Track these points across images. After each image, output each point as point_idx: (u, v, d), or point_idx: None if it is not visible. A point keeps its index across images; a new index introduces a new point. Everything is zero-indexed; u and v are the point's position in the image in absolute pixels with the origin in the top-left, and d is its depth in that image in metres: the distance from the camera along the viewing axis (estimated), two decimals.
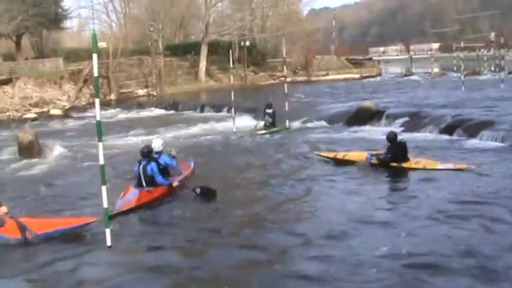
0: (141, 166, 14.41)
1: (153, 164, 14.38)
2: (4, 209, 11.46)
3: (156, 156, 15.01)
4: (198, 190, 14.18)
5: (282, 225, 11.65)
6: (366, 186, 14.88)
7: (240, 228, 11.53)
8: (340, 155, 18.01)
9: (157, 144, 15.46)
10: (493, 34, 76.11)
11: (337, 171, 16.84)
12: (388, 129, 23.85)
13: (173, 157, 15.82)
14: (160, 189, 14.44)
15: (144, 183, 14.29)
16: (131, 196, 13.99)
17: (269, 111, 27.17)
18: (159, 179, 14.37)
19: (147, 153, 14.57)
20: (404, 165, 16.33)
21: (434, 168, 15.84)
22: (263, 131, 26.30)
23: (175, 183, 14.71)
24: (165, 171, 15.02)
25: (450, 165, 15.91)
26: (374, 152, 17.32)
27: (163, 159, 15.25)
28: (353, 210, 12.44)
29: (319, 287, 8.51)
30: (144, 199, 13.93)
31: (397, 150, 16.54)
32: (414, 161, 16.45)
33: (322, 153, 19.03)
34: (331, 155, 18.42)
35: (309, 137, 24.55)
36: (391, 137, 16.83)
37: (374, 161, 16.96)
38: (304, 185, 15.31)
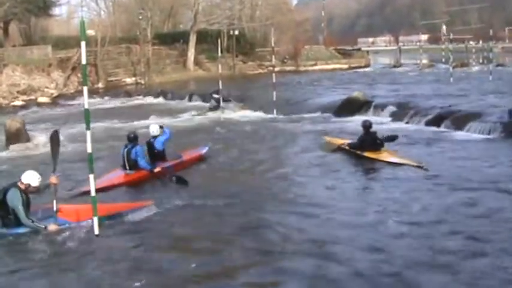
0: (126, 150, 15.04)
1: (137, 148, 14.99)
2: (54, 179, 11.12)
3: (152, 140, 15.92)
4: (174, 179, 14.52)
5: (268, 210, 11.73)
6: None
7: (232, 218, 11.62)
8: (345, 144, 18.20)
9: (154, 128, 16.27)
10: (444, 27, 76.99)
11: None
12: (377, 119, 24.09)
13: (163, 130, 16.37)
14: (140, 173, 15.01)
15: (127, 166, 14.98)
16: (110, 176, 14.92)
17: (216, 96, 30.63)
18: (141, 163, 14.98)
19: (133, 138, 15.21)
20: (366, 154, 16.75)
21: (387, 161, 16.08)
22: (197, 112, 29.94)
23: (157, 169, 15.17)
24: (160, 155, 15.82)
25: (404, 161, 15.94)
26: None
27: (159, 142, 15.95)
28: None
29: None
30: (120, 180, 14.77)
31: (366, 139, 16.99)
32: (378, 152, 16.73)
33: (329, 139, 19.52)
34: (339, 142, 18.76)
35: (296, 126, 24.63)
36: (366, 125, 17.29)
37: (345, 146, 17.61)
38: (278, 172, 15.75)
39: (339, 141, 18.75)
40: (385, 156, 16.48)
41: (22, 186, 10.80)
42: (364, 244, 9.75)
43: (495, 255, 9.06)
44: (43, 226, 10.66)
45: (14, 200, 10.56)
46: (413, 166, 15.26)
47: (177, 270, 8.96)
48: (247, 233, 10.62)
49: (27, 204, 10.80)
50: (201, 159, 17.61)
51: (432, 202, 12.14)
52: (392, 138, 17.66)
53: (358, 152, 17.05)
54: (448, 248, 9.43)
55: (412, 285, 8.17)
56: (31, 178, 10.90)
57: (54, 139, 11.72)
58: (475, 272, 8.47)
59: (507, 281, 8.21)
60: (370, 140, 16.95)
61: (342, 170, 15.82)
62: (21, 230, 10.63)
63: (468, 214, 11.18)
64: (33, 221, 10.62)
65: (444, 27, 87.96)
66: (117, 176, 15.07)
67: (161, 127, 16.56)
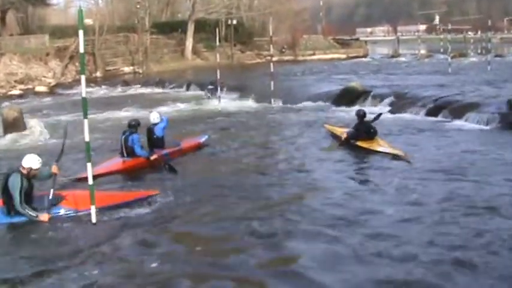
0: (124, 137, 15.22)
1: (134, 136, 15.10)
2: (55, 168, 11.30)
3: (152, 127, 16.22)
4: (167, 166, 14.73)
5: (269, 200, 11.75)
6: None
7: (228, 204, 11.69)
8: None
9: (154, 116, 16.58)
10: (437, 18, 76.92)
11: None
12: (375, 109, 24.09)
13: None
14: (138, 160, 15.17)
15: (125, 153, 15.18)
16: (108, 163, 15.14)
17: (210, 87, 31.45)
18: (138, 150, 15.09)
19: (134, 125, 15.39)
20: (359, 143, 16.90)
21: (379, 151, 16.14)
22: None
23: (153, 156, 15.30)
24: (159, 142, 16.09)
25: (389, 150, 16.06)
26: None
27: (159, 129, 16.20)
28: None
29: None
30: (118, 167, 14.96)
31: (360, 128, 17.17)
32: (371, 141, 16.85)
33: (329, 127, 19.74)
34: (338, 130, 18.82)
35: (294, 116, 24.64)
36: (360, 114, 17.52)
37: (344, 135, 17.60)
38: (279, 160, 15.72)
39: (338, 130, 18.79)
40: (377, 145, 16.58)
41: (24, 171, 10.81)
42: (363, 230, 9.78)
43: (490, 244, 9.08)
44: (35, 215, 10.63)
45: (13, 185, 10.58)
46: (401, 157, 15.29)
47: (173, 256, 8.97)
48: (245, 218, 10.72)
49: (29, 190, 10.86)
50: (199, 147, 17.75)
51: (426, 191, 12.16)
52: (377, 117, 17.91)
53: (352, 141, 17.19)
54: (441, 236, 9.46)
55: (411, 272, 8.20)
56: (31, 161, 10.91)
57: (64, 131, 11.95)
58: (469, 261, 8.47)
59: (502, 270, 8.24)
60: (364, 129, 17.11)
61: (337, 160, 15.87)
62: (23, 218, 10.64)
63: (463, 204, 11.16)
64: (25, 209, 10.62)
65: (437, 17, 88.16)
66: (115, 163, 15.22)
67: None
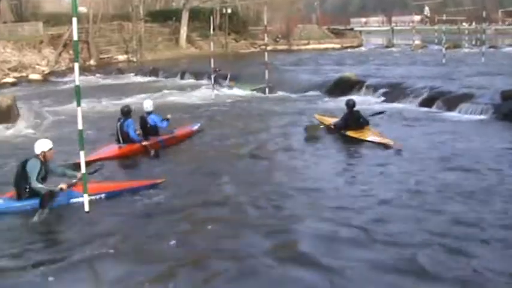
0: (119, 123, 15.55)
1: (129, 121, 15.49)
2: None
3: (146, 115, 16.38)
4: (153, 152, 15.26)
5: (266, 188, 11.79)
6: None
7: (224, 193, 11.76)
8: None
9: (148, 104, 16.80)
10: (427, 8, 76.76)
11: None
12: (369, 99, 24.18)
13: (167, 119, 16.70)
14: (133, 146, 15.51)
15: (121, 140, 15.49)
16: (104, 149, 15.43)
17: (214, 75, 29.50)
18: (132, 134, 15.46)
19: (126, 112, 15.67)
20: (348, 133, 17.03)
21: (368, 140, 16.26)
22: None
23: (145, 142, 15.65)
24: (153, 130, 16.29)
25: (379, 139, 16.18)
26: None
27: (152, 118, 16.42)
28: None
29: None
30: (113, 153, 15.21)
31: (349, 118, 17.28)
32: (360, 131, 16.95)
33: (319, 117, 19.70)
34: (328, 120, 18.87)
35: (288, 105, 24.70)
36: (350, 104, 17.59)
37: (331, 125, 17.84)
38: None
39: (328, 120, 18.85)
40: (366, 135, 16.65)
41: (40, 158, 11.03)
42: (349, 215, 9.84)
43: (482, 232, 9.17)
44: (50, 188, 10.76)
45: (33, 166, 10.79)
46: (391, 147, 15.36)
47: (167, 243, 9.01)
48: (239, 203, 10.97)
49: (45, 176, 11.04)
50: (192, 135, 18.05)
51: (416, 179, 12.28)
52: (377, 113, 18.18)
53: (341, 131, 17.32)
54: (432, 224, 9.57)
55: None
56: (42, 145, 11.13)
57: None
58: (461, 248, 8.54)
59: (493, 253, 8.37)
60: (353, 119, 17.21)
61: (328, 148, 16.13)
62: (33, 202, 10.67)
63: (454, 193, 11.24)
64: (41, 184, 10.78)
65: (427, 8, 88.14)
66: (110, 149, 15.48)
67: (167, 119, 16.90)
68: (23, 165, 10.89)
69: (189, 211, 10.64)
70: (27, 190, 10.81)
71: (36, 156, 11.01)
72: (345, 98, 19.91)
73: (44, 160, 11.04)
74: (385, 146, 15.46)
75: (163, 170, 13.67)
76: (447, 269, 7.90)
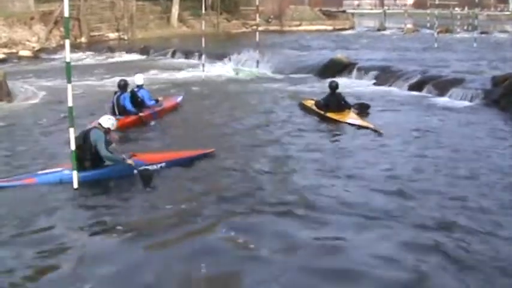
0: (116, 96, 16.24)
1: (126, 94, 16.23)
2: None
3: (136, 89, 16.99)
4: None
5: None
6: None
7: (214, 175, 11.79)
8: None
9: (138, 78, 17.56)
10: None
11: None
12: (360, 82, 24.22)
13: (156, 101, 17.57)
14: (128, 118, 16.13)
15: (117, 112, 15.96)
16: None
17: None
18: (129, 106, 16.16)
19: (123, 86, 16.42)
20: (329, 114, 17.15)
21: (348, 123, 16.40)
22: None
23: (142, 114, 16.53)
24: (142, 103, 16.82)
25: (359, 122, 16.30)
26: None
27: (142, 92, 17.08)
28: None
29: None
30: None
31: (331, 99, 17.43)
32: (341, 113, 17.10)
33: (304, 101, 19.65)
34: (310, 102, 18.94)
35: (277, 86, 24.72)
36: (333, 86, 17.75)
37: (313, 107, 18.02)
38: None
39: (309, 101, 19.04)
40: (347, 118, 16.76)
41: (102, 130, 11.36)
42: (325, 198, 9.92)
43: (468, 215, 9.29)
44: (122, 157, 11.22)
45: (99, 136, 11.12)
46: (372, 130, 15.47)
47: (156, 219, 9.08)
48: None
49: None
50: (177, 107, 19.15)
51: (404, 165, 12.34)
52: (365, 106, 18.06)
53: (322, 112, 17.41)
54: (416, 205, 9.73)
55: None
56: (109, 122, 11.66)
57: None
58: (451, 232, 8.60)
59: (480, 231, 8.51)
60: (335, 101, 17.34)
61: (311, 129, 16.26)
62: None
63: (440, 178, 11.38)
64: (112, 153, 11.19)
65: None
66: None
67: (157, 100, 17.72)
68: (85, 136, 11.14)
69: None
70: (90, 160, 11.14)
71: (98, 128, 11.36)
72: (336, 80, 19.88)
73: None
74: (366, 129, 15.59)
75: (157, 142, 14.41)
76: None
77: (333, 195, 10.27)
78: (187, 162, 12.16)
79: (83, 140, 11.06)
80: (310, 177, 11.41)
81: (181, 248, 8.18)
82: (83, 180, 10.64)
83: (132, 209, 9.75)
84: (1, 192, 10.45)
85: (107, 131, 11.43)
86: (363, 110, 17.76)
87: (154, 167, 11.59)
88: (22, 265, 7.67)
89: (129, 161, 11.20)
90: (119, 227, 8.88)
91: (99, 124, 11.48)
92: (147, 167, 11.31)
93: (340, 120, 16.64)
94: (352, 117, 16.70)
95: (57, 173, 11.08)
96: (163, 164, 11.83)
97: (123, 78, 17.36)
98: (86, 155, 11.09)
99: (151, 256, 8.02)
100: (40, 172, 11.19)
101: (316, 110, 17.75)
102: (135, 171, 11.05)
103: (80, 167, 10.79)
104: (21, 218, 9.26)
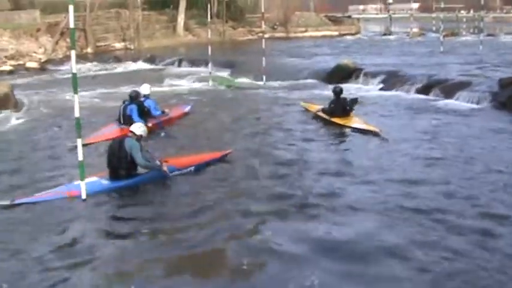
0: (123, 106, 16.30)
1: (133, 106, 16.22)
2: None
3: (142, 99, 17.06)
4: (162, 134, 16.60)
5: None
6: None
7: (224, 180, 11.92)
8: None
9: (145, 88, 17.75)
10: None
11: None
12: (367, 87, 24.20)
13: (163, 112, 17.76)
14: None
15: (122, 121, 16.11)
16: (105, 130, 16.15)
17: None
18: (135, 118, 15.92)
19: (134, 97, 16.55)
20: (334, 119, 17.23)
21: (350, 126, 16.51)
22: None
23: (149, 124, 15.99)
24: (148, 113, 16.88)
25: (364, 126, 16.31)
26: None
27: (148, 102, 17.20)
28: None
29: None
30: (116, 133, 15.21)
31: (336, 104, 17.45)
32: (346, 118, 17.13)
33: (303, 104, 20.06)
34: (313, 107, 19.16)
35: (285, 93, 24.80)
36: (337, 91, 17.74)
37: (320, 112, 18.12)
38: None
39: (313, 107, 19.10)
40: (351, 122, 16.81)
41: (135, 138, 11.55)
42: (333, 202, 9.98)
43: (479, 217, 9.34)
44: (158, 163, 11.49)
45: (133, 145, 11.27)
46: (376, 134, 15.49)
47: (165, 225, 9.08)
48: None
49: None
50: (185, 116, 19.15)
51: (410, 167, 12.41)
52: (354, 101, 17.95)
53: (327, 117, 17.53)
54: (417, 203, 9.89)
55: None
56: (142, 130, 11.87)
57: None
58: (451, 234, 8.66)
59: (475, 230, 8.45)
60: (339, 106, 17.34)
61: (316, 134, 16.52)
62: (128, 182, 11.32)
63: (447, 180, 11.40)
64: (149, 161, 11.41)
65: None
66: (112, 129, 16.03)
67: (163, 112, 17.89)
68: (120, 145, 11.27)
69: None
70: (126, 169, 11.27)
71: (131, 136, 11.52)
72: (344, 86, 19.92)
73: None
74: (373, 134, 15.58)
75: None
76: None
77: (349, 197, 10.42)
78: (209, 164, 12.66)
79: (118, 149, 11.21)
80: (322, 180, 11.54)
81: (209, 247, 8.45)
82: (119, 189, 10.90)
83: (164, 214, 9.94)
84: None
85: (139, 138, 11.61)
86: (353, 105, 17.70)
87: (185, 170, 12.03)
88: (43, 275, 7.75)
89: (164, 168, 11.43)
90: (152, 232, 9.12)
91: (132, 132, 11.64)
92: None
93: (346, 124, 16.70)
94: (357, 122, 16.74)
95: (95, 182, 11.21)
96: (192, 168, 12.26)
97: (135, 89, 17.43)
98: (121, 163, 11.23)
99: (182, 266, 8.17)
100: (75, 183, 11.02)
101: (321, 114, 17.87)
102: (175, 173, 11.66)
103: (115, 176, 11.05)
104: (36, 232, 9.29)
